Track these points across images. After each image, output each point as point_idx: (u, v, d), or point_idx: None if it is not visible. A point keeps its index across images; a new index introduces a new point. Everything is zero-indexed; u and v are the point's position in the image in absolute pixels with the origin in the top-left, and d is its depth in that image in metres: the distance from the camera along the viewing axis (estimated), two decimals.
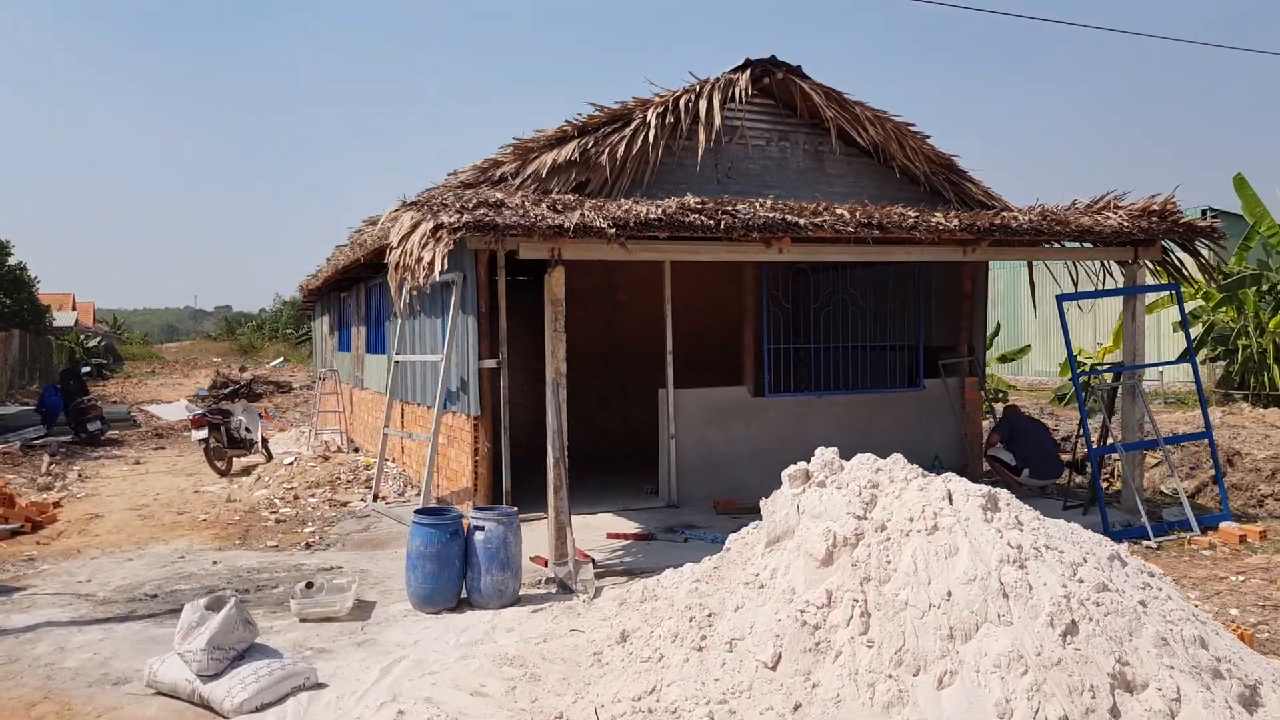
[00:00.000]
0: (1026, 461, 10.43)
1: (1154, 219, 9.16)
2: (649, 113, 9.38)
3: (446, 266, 6.71)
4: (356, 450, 16.22)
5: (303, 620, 6.49)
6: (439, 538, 6.66)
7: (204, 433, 13.77)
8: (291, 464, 12.89)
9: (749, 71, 9.89)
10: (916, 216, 8.32)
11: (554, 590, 7.22)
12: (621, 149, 9.18)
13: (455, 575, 6.74)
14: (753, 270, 10.65)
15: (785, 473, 5.75)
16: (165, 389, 35.39)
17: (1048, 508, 9.90)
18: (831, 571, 4.82)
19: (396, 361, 11.13)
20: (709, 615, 5.06)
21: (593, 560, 7.62)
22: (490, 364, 9.47)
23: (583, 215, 7.13)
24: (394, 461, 13.31)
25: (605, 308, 13.71)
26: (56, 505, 11.31)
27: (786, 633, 4.61)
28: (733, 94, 9.75)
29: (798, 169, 10.56)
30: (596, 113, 9.50)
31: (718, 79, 9.78)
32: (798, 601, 4.75)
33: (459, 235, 6.81)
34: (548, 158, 9.10)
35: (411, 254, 6.99)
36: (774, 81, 10.07)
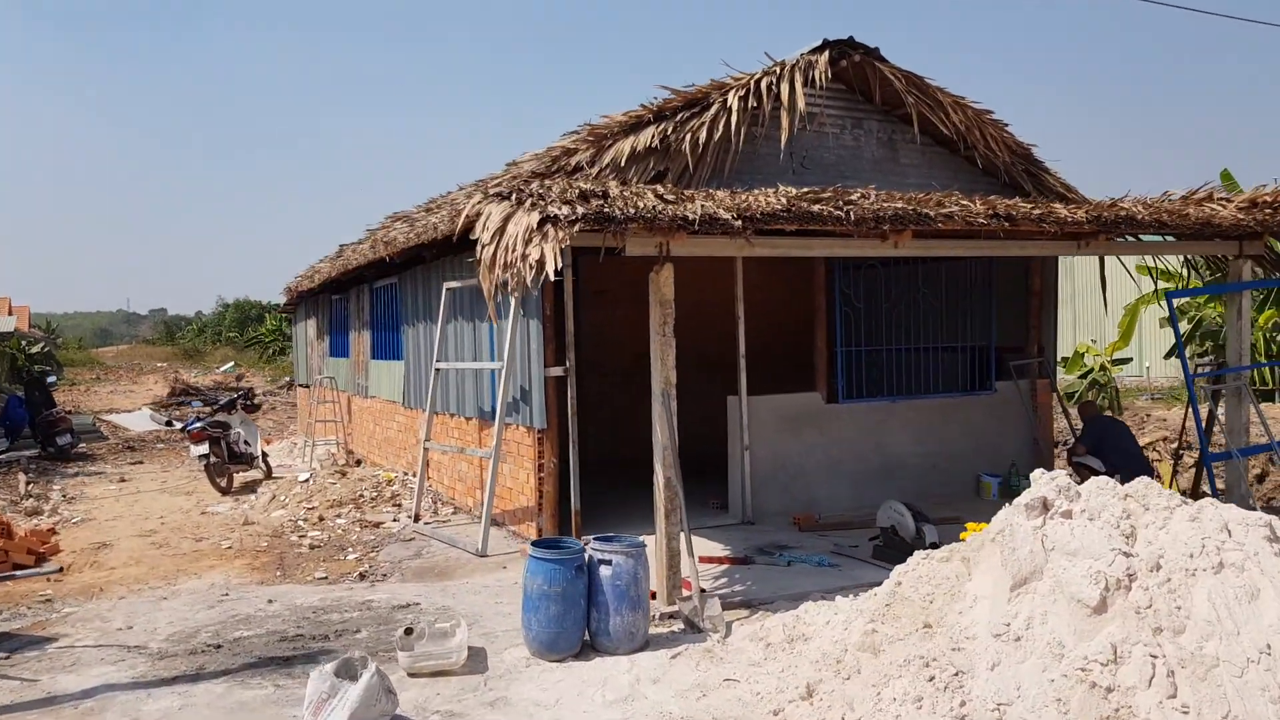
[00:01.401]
0: (1116, 469, 9.83)
1: (1266, 211, 8.61)
2: (729, 96, 8.60)
3: (561, 264, 5.87)
4: (359, 463, 15.20)
5: (412, 675, 5.59)
6: (563, 575, 5.81)
7: (204, 448, 12.67)
8: (307, 481, 11.87)
9: (827, 53, 9.15)
10: (1044, 209, 7.65)
11: (679, 629, 6.41)
12: (703, 135, 8.38)
13: (580, 617, 5.90)
14: (823, 267, 9.92)
15: (1020, 501, 5.01)
16: (118, 396, 33.69)
17: None
18: (1107, 620, 4.10)
19: (437, 370, 10.19)
20: (956, 674, 4.29)
21: (717, 595, 6.82)
22: (557, 371, 8.62)
23: (704, 206, 6.32)
24: (416, 476, 12.33)
25: (636, 306, 12.80)
26: (52, 532, 10.19)
27: (1071, 697, 3.87)
28: (811, 77, 9.00)
29: (872, 159, 9.85)
30: (671, 96, 8.69)
31: (797, 61, 9.03)
32: (1072, 658, 4.02)
33: (575, 229, 5.95)
34: (625, 145, 8.28)
35: (513, 250, 6.11)
36: (850, 64, 9.34)
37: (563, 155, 8.36)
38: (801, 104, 8.74)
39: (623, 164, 8.18)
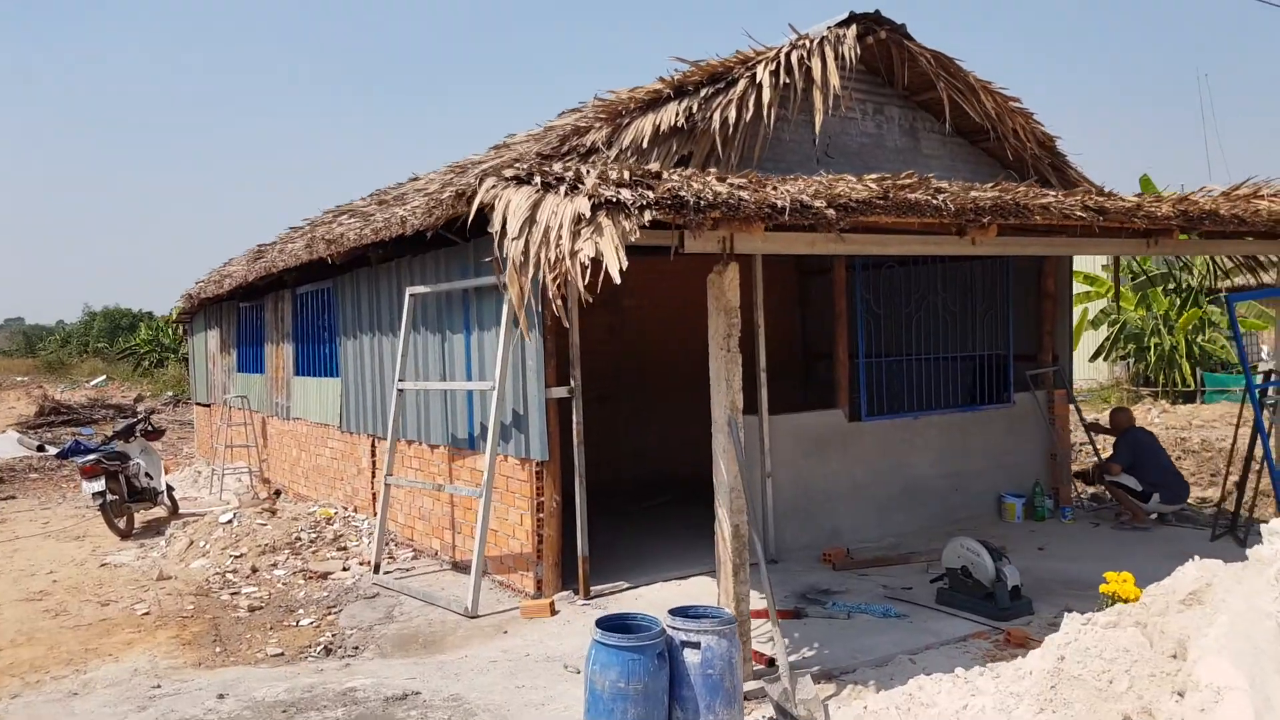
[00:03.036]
0: (1155, 486, 9.00)
1: None
2: (759, 70, 7.39)
3: (624, 263, 4.54)
4: (278, 493, 13.44)
5: None
6: (644, 667, 4.48)
7: (99, 484, 10.79)
8: (231, 521, 10.15)
9: (854, 27, 8.04)
10: (1132, 202, 6.69)
11: (773, 716, 5.14)
12: (732, 114, 7.15)
13: (664, 719, 4.59)
14: (843, 269, 8.80)
15: (1264, 558, 3.91)
16: None
17: (1190, 540, 8.59)
18: None
19: (400, 390, 8.67)
20: None
21: (808, 671, 5.58)
22: (561, 392, 7.26)
23: (792, 193, 5.09)
24: (359, 511, 10.75)
25: (615, 313, 11.49)
26: None
27: None
28: (840, 53, 7.87)
29: (894, 148, 8.79)
30: (691, 70, 7.45)
31: (825, 34, 7.88)
32: None
33: (648, 218, 4.63)
34: (645, 124, 7.00)
35: (554, 246, 4.76)
36: (876, 42, 8.25)
37: (572, 134, 7.02)
38: (835, 82, 7.59)
39: (645, 145, 6.90)
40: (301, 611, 7.60)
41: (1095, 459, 10.10)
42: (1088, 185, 9.40)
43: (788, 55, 7.52)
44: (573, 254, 4.70)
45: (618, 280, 4.52)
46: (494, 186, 5.53)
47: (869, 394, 8.96)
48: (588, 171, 5.14)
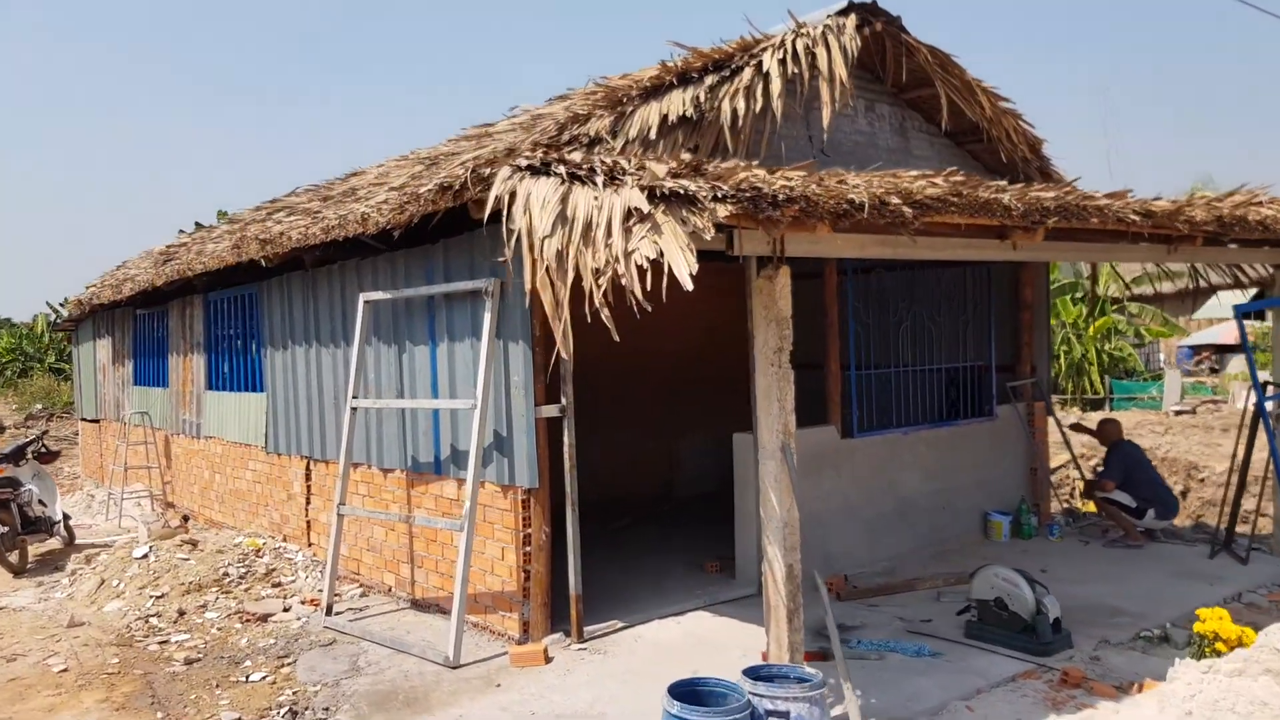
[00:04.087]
0: (1149, 502, 8.73)
1: None
2: (765, 58, 6.78)
3: (695, 266, 3.84)
4: (185, 519, 12.23)
5: None
6: None
7: None
8: (146, 556, 9.00)
9: (853, 17, 7.52)
10: (1173, 206, 6.31)
11: None
12: (741, 105, 6.52)
13: None
14: (834, 276, 8.25)
15: None
16: None
17: (1190, 559, 8.32)
18: None
19: (353, 410, 7.74)
20: None
21: None
22: (551, 411, 6.50)
23: (869, 188, 4.49)
24: (290, 541, 9.72)
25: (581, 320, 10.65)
26: None
27: None
28: (841, 44, 7.33)
29: (886, 147, 8.30)
30: (692, 55, 6.79)
31: (826, 23, 7.33)
32: None
33: (725, 214, 3.95)
34: (652, 112, 6.30)
35: (607, 247, 4.03)
36: (871, 34, 7.75)
37: (570, 123, 6.25)
38: (843, 73, 7.03)
39: (652, 136, 6.20)
40: (249, 663, 6.63)
41: (1088, 475, 9.81)
42: (1072, 187, 9.11)
43: (793, 43, 6.94)
44: (627, 255, 3.98)
45: (689, 286, 3.83)
46: (509, 177, 4.75)
47: (861, 408, 8.43)
48: (628, 161, 4.42)
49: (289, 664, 6.58)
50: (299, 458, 9.55)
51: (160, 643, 7.18)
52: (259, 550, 9.34)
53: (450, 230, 7.11)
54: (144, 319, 14.04)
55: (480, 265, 6.84)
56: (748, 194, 4.00)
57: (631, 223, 4.05)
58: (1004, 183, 5.70)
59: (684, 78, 6.67)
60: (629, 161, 4.46)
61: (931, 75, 7.94)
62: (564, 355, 4.31)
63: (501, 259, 5.26)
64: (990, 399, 9.46)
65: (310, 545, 9.46)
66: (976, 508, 9.27)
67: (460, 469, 7.15)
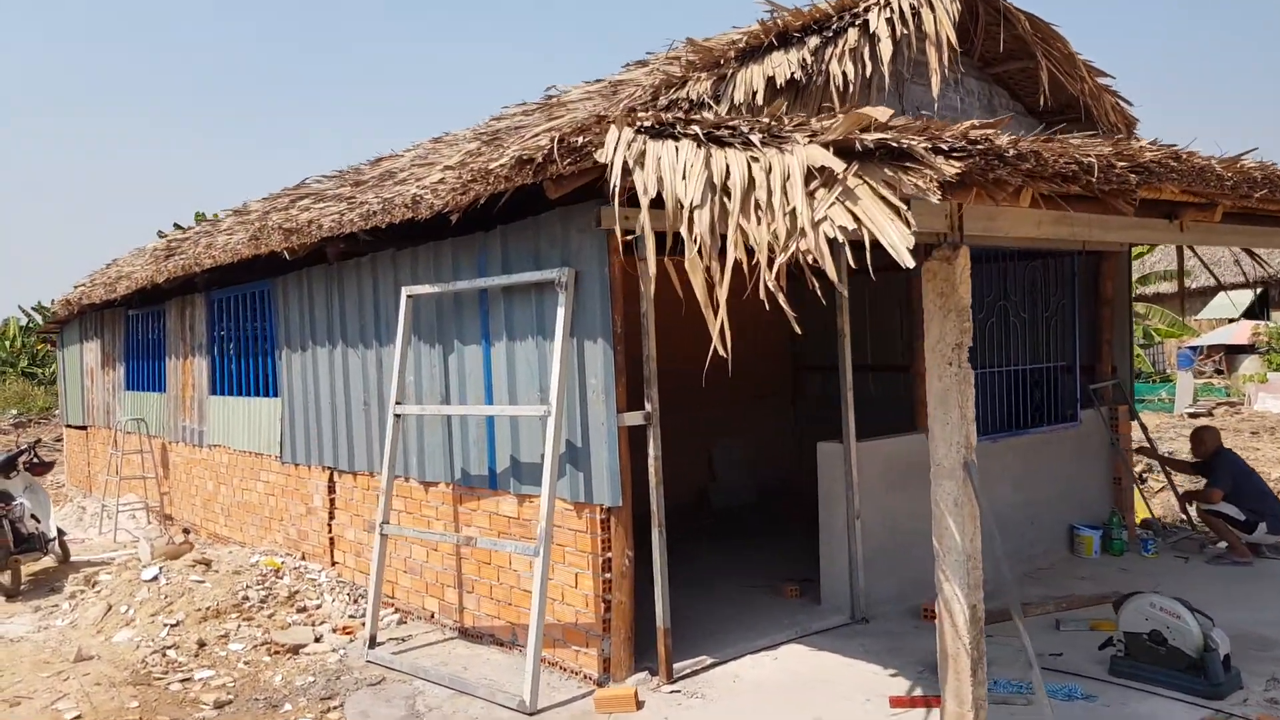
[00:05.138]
0: (1259, 514, 8.03)
1: None
2: (872, 18, 6.02)
3: (913, 240, 3.08)
4: (187, 532, 11.35)
5: None
6: None
7: None
8: (155, 579, 8.13)
9: None
10: None
11: None
12: (850, 68, 5.76)
13: None
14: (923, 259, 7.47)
15: None
16: None
17: None
18: None
19: (396, 416, 6.91)
20: None
21: None
22: (635, 419, 5.71)
23: (1096, 150, 3.74)
24: (310, 560, 8.87)
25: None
26: None
27: None
28: (945, 6, 6.58)
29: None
30: (791, 14, 6.02)
31: None
32: None
33: (955, 173, 3.19)
34: (756, 76, 5.53)
35: (786, 221, 3.26)
36: (963, 3, 7.01)
37: (665, 87, 5.46)
38: (951, 35, 6.29)
39: (759, 101, 5.43)
40: (289, 707, 5.80)
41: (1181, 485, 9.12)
42: None
43: (899, 2, 6.18)
44: (815, 225, 3.20)
45: (910, 263, 3.06)
46: (633, 139, 3.96)
47: None
48: (783, 120, 3.65)
49: (336, 708, 5.75)
50: (320, 468, 8.71)
51: (183, 680, 6.33)
52: (279, 570, 8.49)
53: (507, 216, 6.33)
54: (137, 320, 13.13)
55: (548, 254, 6.05)
56: (980, 148, 3.23)
57: (814, 186, 3.27)
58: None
59: (784, 38, 5.90)
60: (785, 120, 3.69)
61: (1031, 46, 7.23)
62: (722, 352, 3.48)
63: (614, 231, 4.45)
64: (1074, 402, 8.74)
65: (334, 564, 8.62)
66: (1062, 521, 8.55)
67: (522, 483, 6.35)
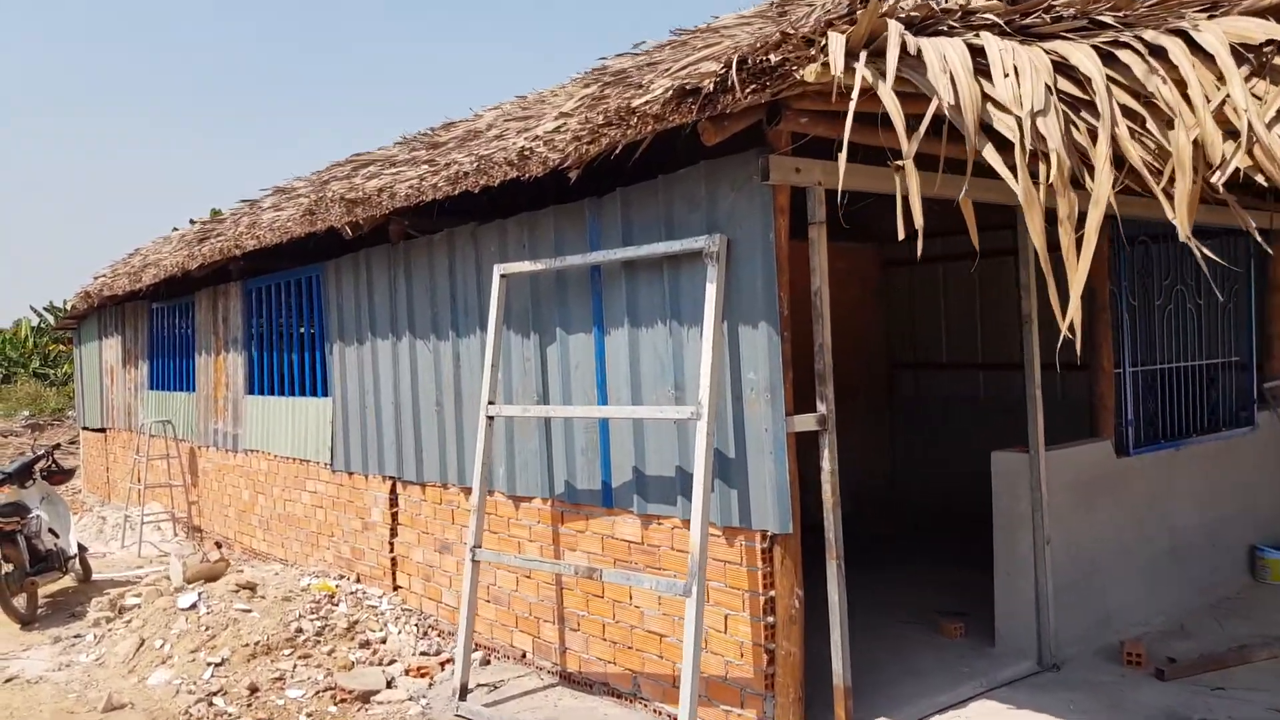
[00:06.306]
0: None
1: None
2: None
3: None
4: (219, 546, 10.25)
5: None
6: None
7: None
8: (194, 607, 7.01)
9: None
10: None
11: None
12: None
13: None
14: (1106, 245, 6.31)
15: None
16: None
17: None
18: None
19: (489, 419, 5.77)
20: None
21: None
22: (808, 422, 4.56)
23: None
24: (366, 582, 7.76)
25: None
26: None
27: None
28: None
29: None
30: None
31: None
32: None
33: None
34: None
35: (1209, 122, 2.12)
36: None
37: None
38: None
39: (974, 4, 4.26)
40: None
41: None
42: None
43: None
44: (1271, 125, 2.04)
45: None
46: (902, 32, 2.81)
47: (1139, 417, 6.51)
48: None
49: None
50: (380, 478, 7.60)
51: None
52: (333, 596, 7.37)
53: (626, 177, 5.21)
54: (162, 313, 12.06)
55: (685, 220, 4.92)
56: None
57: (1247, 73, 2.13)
58: None
59: None
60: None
61: None
62: (1071, 333, 2.32)
63: (782, 188, 3.31)
64: (1249, 403, 7.57)
65: (396, 589, 7.52)
66: (1241, 541, 7.38)
67: (648, 500, 5.22)
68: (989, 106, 2.66)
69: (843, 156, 3.18)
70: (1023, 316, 5.68)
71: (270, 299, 9.29)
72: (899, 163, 2.81)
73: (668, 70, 4.45)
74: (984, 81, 2.69)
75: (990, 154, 2.67)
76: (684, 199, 4.94)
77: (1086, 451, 6.08)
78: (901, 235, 2.98)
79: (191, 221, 12.52)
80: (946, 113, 2.78)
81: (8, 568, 7.69)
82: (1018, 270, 5.83)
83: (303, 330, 8.81)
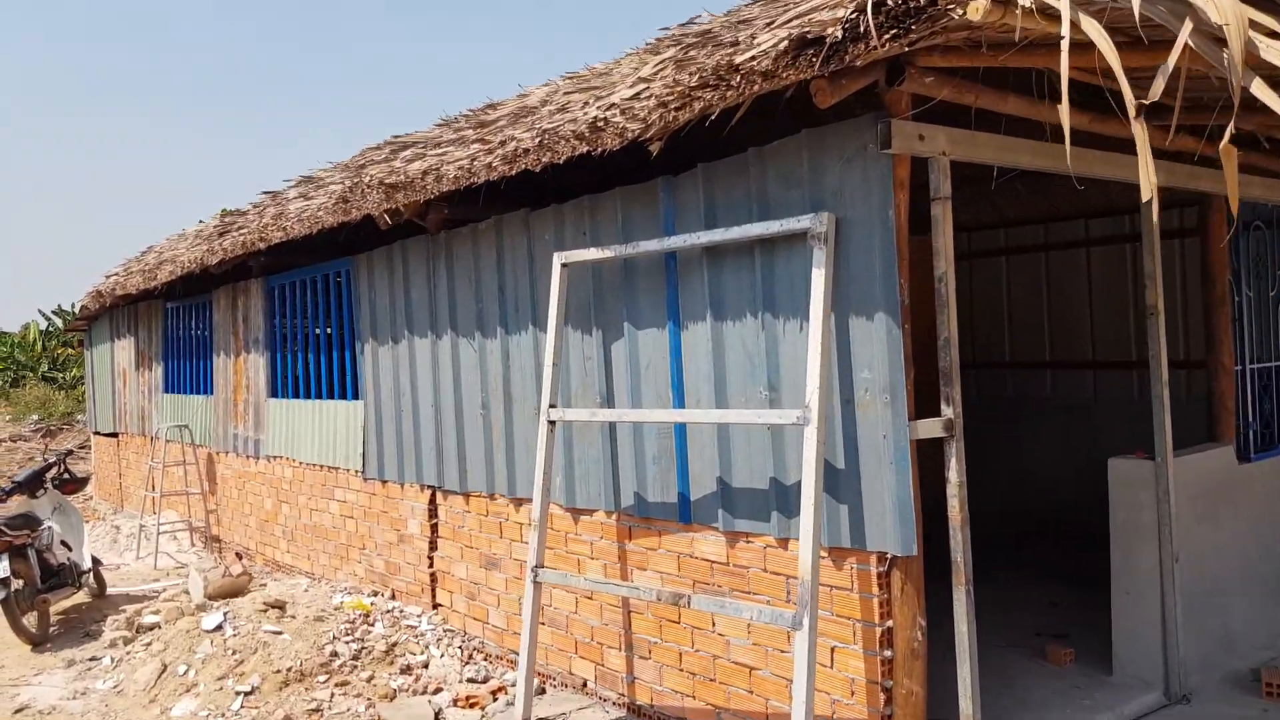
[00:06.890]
0: None
1: None
2: None
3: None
4: (240, 557, 9.68)
5: None
6: None
7: (3, 566, 6.96)
8: (220, 628, 6.44)
9: None
10: None
11: None
12: None
13: None
14: (1221, 229, 5.73)
15: None
16: None
17: None
18: None
19: (550, 424, 5.19)
20: None
21: None
22: (932, 430, 3.98)
23: None
24: (402, 599, 7.19)
25: None
26: None
27: None
28: None
29: None
30: None
31: None
32: None
33: None
34: None
35: None
36: None
37: None
38: None
39: None
40: None
41: None
42: None
43: None
44: None
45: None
46: None
47: (1260, 418, 5.93)
48: None
49: None
50: (417, 487, 7.04)
51: None
52: (368, 615, 6.80)
53: (705, 152, 4.65)
54: (177, 313, 11.54)
55: (782, 197, 4.34)
56: None
57: None
58: None
59: None
60: None
61: None
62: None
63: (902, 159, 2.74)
64: None
65: (436, 607, 6.95)
66: None
67: (735, 515, 4.64)
68: (1255, 34, 2.11)
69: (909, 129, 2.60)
70: (1147, 308, 5.09)
71: (294, 296, 8.75)
72: (1132, 112, 2.25)
73: (770, 24, 3.88)
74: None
75: (1260, 88, 2.11)
76: (780, 174, 4.36)
77: (1210, 458, 5.49)
78: (1146, 196, 2.40)
79: (201, 223, 11.99)
80: (1191, 42, 2.22)
81: (17, 584, 7.14)
82: (1131, 261, 5.26)
83: (329, 329, 8.26)
